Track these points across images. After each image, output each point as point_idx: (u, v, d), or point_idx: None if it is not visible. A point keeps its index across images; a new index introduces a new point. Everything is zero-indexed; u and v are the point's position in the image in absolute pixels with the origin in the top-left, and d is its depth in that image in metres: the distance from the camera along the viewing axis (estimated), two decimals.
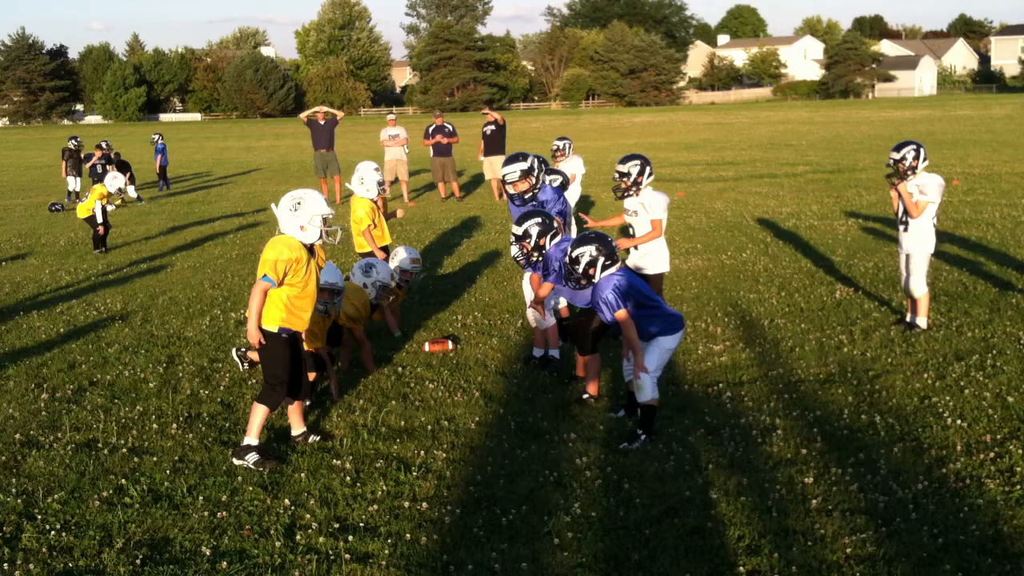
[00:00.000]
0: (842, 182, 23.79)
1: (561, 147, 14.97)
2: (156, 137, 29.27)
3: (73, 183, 25.53)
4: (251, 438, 6.86)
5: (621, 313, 6.89)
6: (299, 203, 6.83)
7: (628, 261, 9.41)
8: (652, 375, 7.03)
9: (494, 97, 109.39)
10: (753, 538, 5.54)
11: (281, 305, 6.82)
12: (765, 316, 10.53)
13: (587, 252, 7.00)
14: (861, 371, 8.45)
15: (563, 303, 9.62)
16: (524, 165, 8.75)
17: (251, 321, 6.76)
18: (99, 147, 26.27)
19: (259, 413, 6.89)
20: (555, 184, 10.44)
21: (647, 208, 9.23)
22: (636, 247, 9.44)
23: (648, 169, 9.28)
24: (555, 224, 8.06)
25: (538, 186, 8.85)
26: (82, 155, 26.03)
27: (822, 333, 9.72)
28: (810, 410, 7.53)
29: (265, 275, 6.69)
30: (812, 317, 10.39)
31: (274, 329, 6.84)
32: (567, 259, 7.11)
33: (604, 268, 7.01)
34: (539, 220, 7.99)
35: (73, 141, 26.18)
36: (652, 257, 9.46)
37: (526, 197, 8.81)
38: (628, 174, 9.23)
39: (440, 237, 17.16)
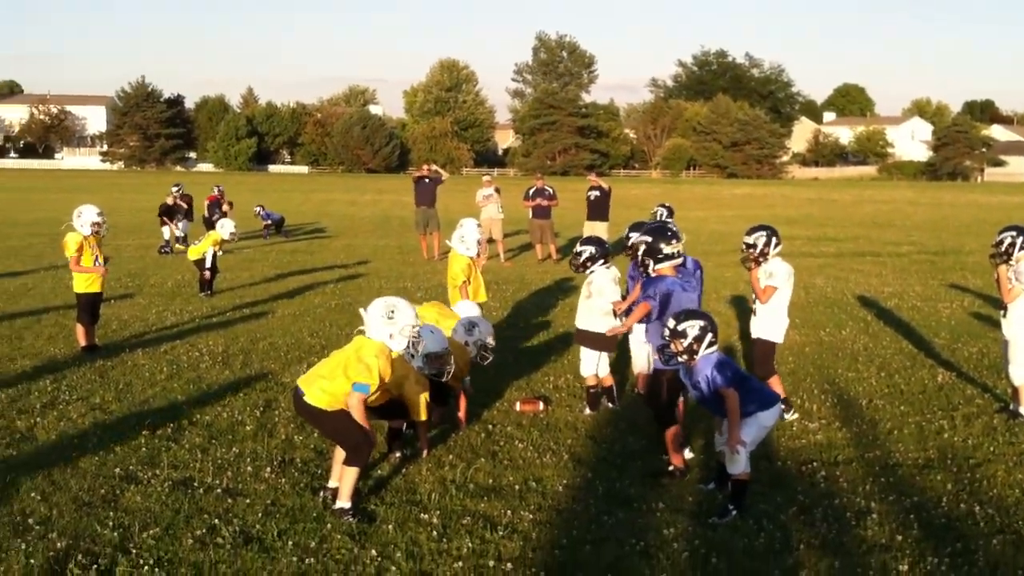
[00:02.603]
0: (947, 264, 23.35)
1: (663, 214, 14.97)
2: (258, 209, 30.59)
3: (177, 228, 26.08)
4: (344, 502, 6.89)
5: (728, 390, 6.93)
6: (393, 311, 6.97)
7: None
8: (747, 449, 6.98)
9: (595, 163, 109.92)
10: None
11: (342, 396, 6.91)
12: (863, 396, 10.33)
13: (696, 326, 7.02)
14: (962, 458, 8.22)
15: (590, 372, 9.71)
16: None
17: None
18: (219, 190, 27.50)
19: (350, 475, 6.91)
20: None
21: (769, 276, 9.41)
22: (755, 313, 9.75)
23: (775, 239, 9.41)
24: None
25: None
26: (177, 203, 26.65)
27: (922, 417, 9.51)
28: (907, 495, 7.34)
29: (366, 385, 6.83)
30: (912, 400, 10.17)
31: (333, 408, 6.95)
32: (669, 330, 7.09)
33: (709, 346, 7.03)
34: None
35: (175, 188, 26.99)
36: (765, 324, 9.51)
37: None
38: (755, 245, 9.39)
39: (535, 297, 17.24)
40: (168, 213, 25.87)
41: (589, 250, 9.63)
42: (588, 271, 9.66)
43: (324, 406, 6.92)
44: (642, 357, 10.20)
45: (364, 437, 6.93)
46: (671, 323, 7.12)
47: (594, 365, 9.75)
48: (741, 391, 7.01)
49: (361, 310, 7.19)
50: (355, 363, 6.87)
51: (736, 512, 6.92)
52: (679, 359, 7.09)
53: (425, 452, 8.23)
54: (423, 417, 8.08)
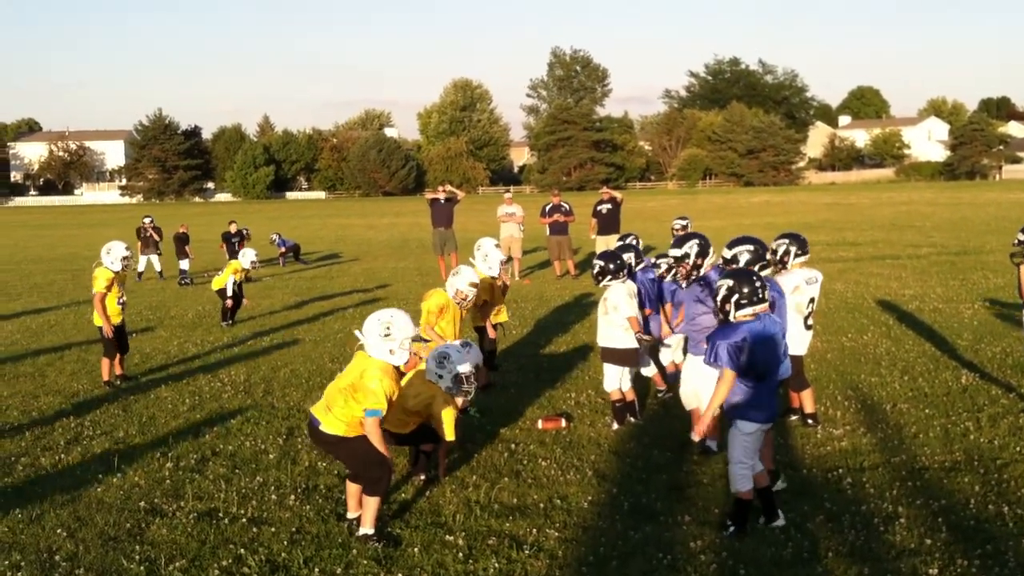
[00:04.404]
0: (968, 264, 23.20)
1: (682, 226, 15.08)
2: (275, 237, 30.91)
3: (145, 262, 26.63)
4: (367, 528, 6.87)
5: (728, 372, 6.68)
6: (389, 327, 6.88)
7: None
8: (739, 464, 6.77)
9: (611, 176, 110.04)
10: None
11: (358, 422, 6.87)
12: (887, 400, 10.27)
13: (724, 286, 6.83)
14: (988, 459, 8.15)
15: (614, 387, 9.64)
16: (676, 252, 8.78)
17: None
18: (233, 223, 27.95)
19: (372, 504, 6.88)
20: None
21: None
22: None
23: (795, 248, 9.41)
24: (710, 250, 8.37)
25: (701, 268, 8.67)
26: (149, 234, 27.03)
27: (947, 419, 9.43)
28: (935, 499, 7.28)
29: (378, 410, 6.76)
30: (937, 402, 10.09)
31: (352, 435, 6.92)
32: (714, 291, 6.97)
33: (739, 307, 6.77)
34: (699, 241, 8.24)
35: (147, 219, 27.40)
36: None
37: (691, 278, 8.73)
38: (775, 252, 9.37)
39: (555, 314, 17.22)
40: (182, 241, 26.12)
41: (600, 264, 9.62)
42: (601, 284, 9.65)
43: (342, 433, 6.90)
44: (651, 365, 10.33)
45: (383, 467, 6.90)
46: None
47: (617, 380, 9.71)
48: (741, 381, 6.74)
49: (356, 332, 7.13)
50: (362, 388, 6.83)
51: (735, 528, 6.76)
52: (719, 319, 6.92)
53: (443, 475, 8.21)
54: (451, 437, 8.03)
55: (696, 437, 7.16)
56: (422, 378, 8.24)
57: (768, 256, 8.35)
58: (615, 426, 9.58)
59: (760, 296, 6.77)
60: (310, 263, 29.99)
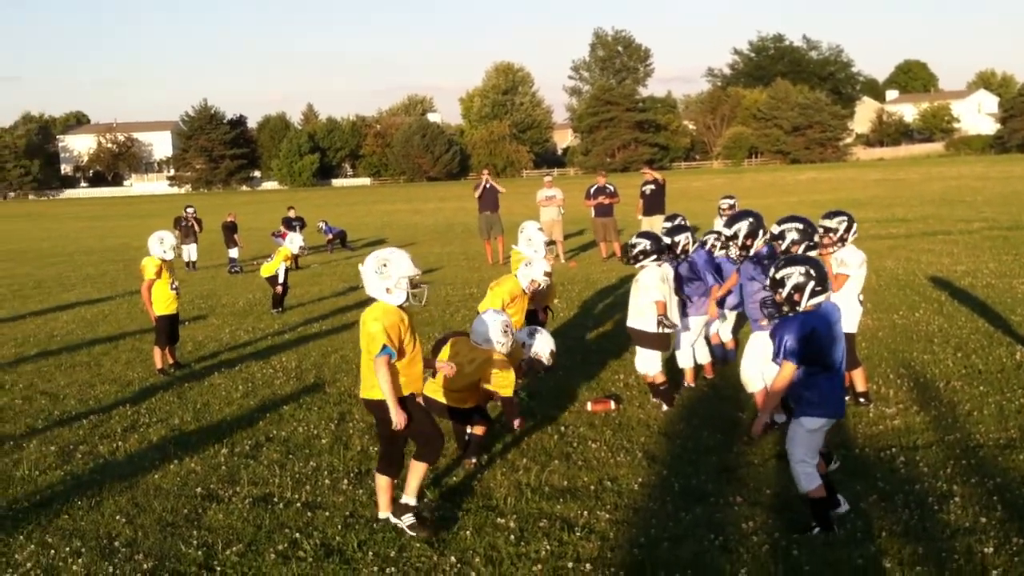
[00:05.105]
0: (1021, 239, 22.85)
1: (730, 205, 15.04)
2: (321, 224, 31.75)
3: (185, 252, 26.74)
4: (409, 497, 6.88)
5: (788, 365, 6.25)
6: (385, 264, 6.74)
7: None
8: (801, 463, 6.37)
9: (655, 157, 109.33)
10: None
11: (399, 376, 6.69)
12: (940, 378, 10.16)
13: (795, 274, 6.28)
14: None
15: (644, 370, 9.59)
16: (727, 231, 8.87)
17: (392, 405, 6.59)
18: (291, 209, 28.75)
19: (418, 471, 6.89)
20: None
21: (841, 264, 9.14)
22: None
23: (855, 226, 9.26)
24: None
25: (751, 248, 8.76)
26: (191, 224, 27.39)
27: (1002, 396, 9.32)
28: (990, 477, 7.21)
29: (385, 347, 6.56)
30: (991, 380, 9.96)
31: (404, 392, 6.74)
32: (769, 281, 6.44)
33: (813, 295, 6.26)
34: (750, 221, 8.54)
35: (189, 209, 27.74)
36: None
37: (742, 257, 8.81)
38: (835, 230, 9.14)
39: (601, 296, 17.21)
40: (231, 230, 26.41)
41: (644, 244, 9.53)
42: (639, 264, 9.59)
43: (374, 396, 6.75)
44: (687, 353, 10.22)
45: (436, 431, 6.93)
46: (771, 271, 6.49)
47: (657, 362, 9.65)
48: (807, 371, 6.31)
49: (360, 266, 6.96)
50: (367, 341, 6.67)
51: (820, 530, 6.39)
52: (780, 312, 6.39)
53: (518, 425, 8.14)
54: (510, 393, 7.94)
55: (755, 434, 6.81)
56: (468, 344, 8.13)
57: (816, 237, 8.25)
58: (664, 408, 9.56)
59: (828, 282, 6.40)
60: (357, 249, 30.19)
